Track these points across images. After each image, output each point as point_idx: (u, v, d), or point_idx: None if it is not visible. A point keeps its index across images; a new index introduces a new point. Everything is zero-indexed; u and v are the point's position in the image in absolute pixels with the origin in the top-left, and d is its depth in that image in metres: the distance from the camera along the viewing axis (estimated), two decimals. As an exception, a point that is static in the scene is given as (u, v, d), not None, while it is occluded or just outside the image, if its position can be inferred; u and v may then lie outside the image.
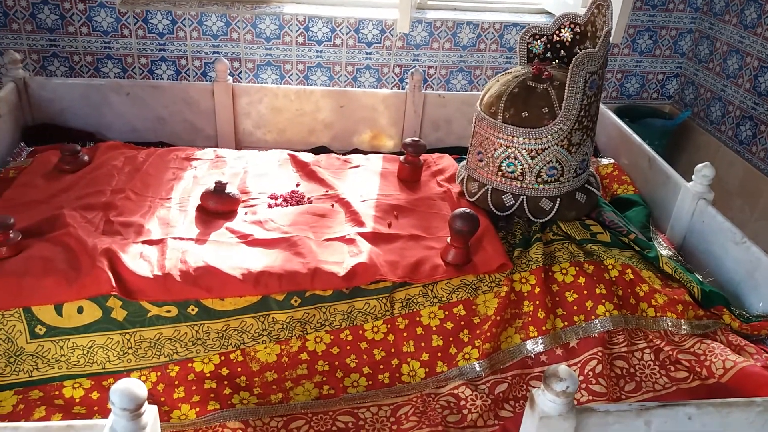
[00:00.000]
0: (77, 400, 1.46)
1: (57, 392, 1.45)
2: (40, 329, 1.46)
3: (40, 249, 1.54)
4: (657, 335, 1.63)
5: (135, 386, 1.04)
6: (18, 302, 1.45)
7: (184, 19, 3.02)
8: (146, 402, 1.07)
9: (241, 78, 3.19)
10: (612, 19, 1.68)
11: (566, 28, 1.84)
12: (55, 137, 2.28)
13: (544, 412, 1.15)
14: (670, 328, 1.64)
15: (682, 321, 1.63)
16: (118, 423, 1.05)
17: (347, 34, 3.18)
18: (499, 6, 3.44)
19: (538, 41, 1.88)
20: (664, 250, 1.96)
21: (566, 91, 1.63)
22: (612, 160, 2.37)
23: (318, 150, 2.44)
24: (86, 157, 1.97)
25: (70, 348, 1.47)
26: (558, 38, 1.87)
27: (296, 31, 3.13)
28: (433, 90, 3.29)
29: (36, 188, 1.81)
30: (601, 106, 2.57)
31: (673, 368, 1.58)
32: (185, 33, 3.06)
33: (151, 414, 1.09)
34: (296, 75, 3.24)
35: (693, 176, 1.94)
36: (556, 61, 1.91)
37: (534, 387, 1.28)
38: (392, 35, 3.21)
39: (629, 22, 3.40)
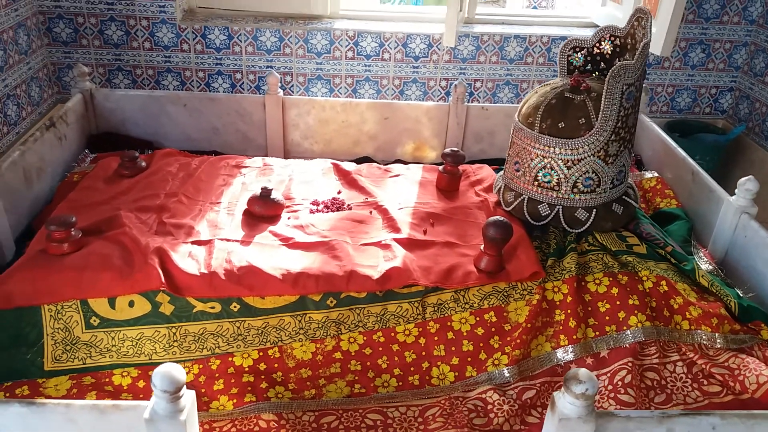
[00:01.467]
0: (125, 388, 1.56)
1: (107, 379, 1.56)
2: (95, 320, 1.58)
3: (98, 246, 1.66)
4: (690, 348, 1.62)
5: (175, 371, 1.13)
6: (76, 294, 1.57)
7: (240, 34, 3.16)
8: (185, 386, 1.15)
9: (293, 91, 3.31)
10: (651, 31, 1.70)
11: (606, 41, 1.86)
12: (117, 145, 2.43)
13: (563, 414, 1.17)
14: (704, 342, 1.62)
15: (717, 335, 1.62)
16: (158, 404, 1.14)
17: (395, 48, 3.26)
18: (547, 20, 3.47)
19: (579, 53, 1.90)
20: (704, 265, 1.93)
21: (603, 102, 1.65)
22: (656, 174, 2.36)
23: (362, 160, 2.52)
24: (144, 164, 2.11)
25: (121, 339, 1.58)
26: (598, 50, 1.89)
27: (346, 46, 3.23)
28: (479, 103, 3.33)
29: (97, 191, 1.95)
30: (647, 119, 2.57)
31: (705, 382, 1.57)
32: (241, 48, 3.20)
33: (188, 398, 1.17)
34: (345, 88, 3.33)
35: (736, 190, 1.92)
36: (596, 73, 1.93)
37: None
38: (439, 49, 3.27)
39: (680, 35, 3.36)
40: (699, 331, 1.64)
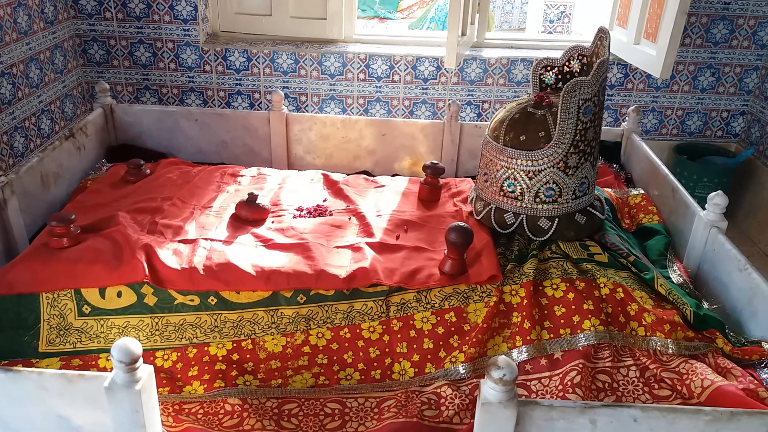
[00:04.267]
0: (109, 371, 1.70)
1: (93, 362, 1.71)
2: (86, 308, 1.73)
3: (94, 242, 1.83)
4: (645, 354, 1.67)
5: (132, 344, 1.26)
6: (71, 284, 1.73)
7: (258, 56, 3.37)
8: (141, 359, 1.28)
9: (308, 110, 3.48)
10: (608, 50, 1.78)
11: (575, 59, 1.95)
12: (133, 156, 2.62)
13: (485, 399, 1.25)
14: (658, 348, 1.67)
15: (669, 341, 1.66)
16: (117, 374, 1.27)
17: (405, 70, 3.40)
18: (555, 44, 3.56)
19: (550, 72, 2.00)
20: (675, 277, 1.97)
21: (559, 116, 1.74)
22: (641, 191, 2.40)
23: (361, 174, 2.64)
24: (148, 171, 2.29)
25: (109, 326, 1.73)
26: (568, 69, 1.98)
27: (358, 68, 3.40)
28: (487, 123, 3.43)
29: (102, 194, 2.14)
30: (637, 139, 2.62)
31: (657, 386, 1.61)
32: (259, 69, 3.40)
33: (145, 371, 1.30)
34: (357, 108, 3.49)
35: (706, 204, 1.96)
36: (569, 91, 2.01)
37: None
38: (447, 71, 3.40)
39: (689, 59, 3.40)
40: (654, 337, 1.69)
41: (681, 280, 1.98)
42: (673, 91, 3.49)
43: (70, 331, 1.73)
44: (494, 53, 3.41)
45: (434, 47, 3.47)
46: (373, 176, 2.62)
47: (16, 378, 1.31)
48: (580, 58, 1.94)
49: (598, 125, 1.84)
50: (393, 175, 2.70)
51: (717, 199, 1.93)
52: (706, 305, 1.85)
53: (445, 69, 3.39)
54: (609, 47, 1.78)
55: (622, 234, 2.01)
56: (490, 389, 1.24)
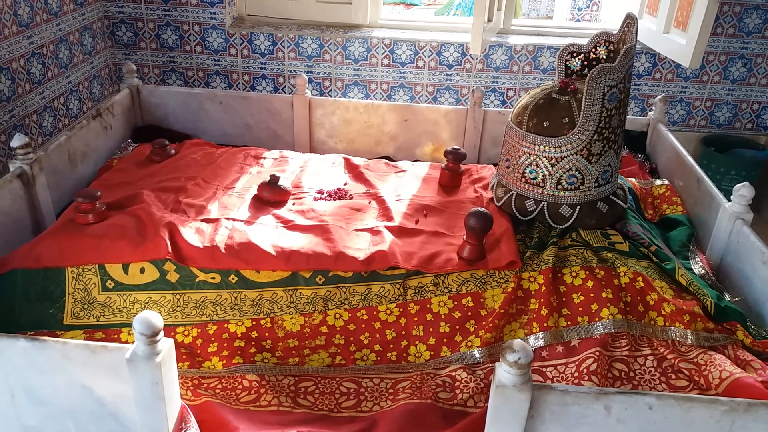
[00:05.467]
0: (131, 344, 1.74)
1: (116, 336, 1.75)
2: (110, 283, 1.77)
3: (118, 219, 1.86)
4: (663, 344, 1.65)
5: (153, 317, 1.29)
6: (96, 259, 1.77)
7: (284, 41, 3.38)
8: (162, 333, 1.31)
9: (331, 95, 3.49)
10: (636, 36, 1.76)
11: (601, 46, 1.93)
12: (159, 137, 2.66)
13: (500, 382, 1.25)
14: (677, 338, 1.66)
15: (688, 331, 1.65)
16: (138, 346, 1.30)
17: (429, 56, 3.39)
18: (582, 32, 3.51)
19: (576, 58, 1.98)
20: (698, 269, 1.95)
21: (583, 102, 1.73)
22: (666, 182, 2.37)
23: (380, 159, 2.65)
24: (173, 151, 2.32)
25: (131, 301, 1.77)
26: (594, 55, 1.96)
27: (382, 54, 3.39)
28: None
29: (128, 173, 2.17)
30: (663, 129, 2.58)
31: (674, 376, 1.60)
32: (284, 53, 3.42)
33: (166, 344, 1.33)
34: (380, 94, 3.49)
35: (732, 196, 1.94)
36: (594, 78, 1.99)
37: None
38: (472, 58, 3.38)
39: (720, 49, 3.33)
40: (673, 327, 1.67)
41: (703, 271, 1.95)
42: (702, 82, 3.43)
43: (93, 305, 1.77)
44: (520, 40, 3.38)
45: (460, 33, 3.45)
46: (395, 161, 2.63)
47: (41, 347, 1.34)
48: (607, 44, 1.91)
49: (623, 113, 1.82)
50: (414, 161, 2.70)
51: (743, 191, 1.90)
52: (727, 297, 1.83)
53: (470, 55, 3.37)
54: (636, 34, 1.75)
55: (644, 224, 1.99)
56: (504, 372, 1.25)
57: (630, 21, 1.79)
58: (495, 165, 2.42)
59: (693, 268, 1.97)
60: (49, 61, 2.83)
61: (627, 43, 1.82)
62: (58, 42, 2.89)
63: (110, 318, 1.77)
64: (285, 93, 3.50)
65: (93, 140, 2.39)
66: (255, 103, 2.76)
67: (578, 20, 5.82)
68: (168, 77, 3.48)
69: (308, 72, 3.43)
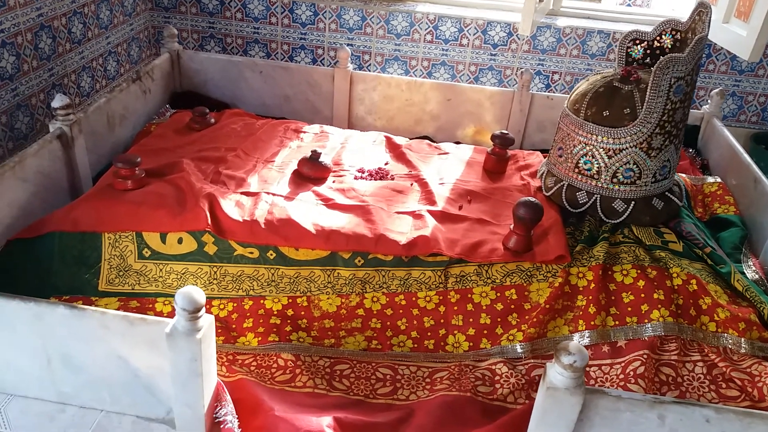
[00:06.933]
0: (165, 315, 1.71)
1: (150, 305, 1.72)
2: (147, 252, 1.74)
3: (157, 186, 1.83)
4: (714, 350, 1.59)
5: (196, 293, 1.26)
6: (133, 227, 1.74)
7: (325, 11, 3.30)
8: (204, 309, 1.27)
9: (370, 70, 3.41)
10: (709, 26, 1.66)
11: (667, 34, 1.83)
12: (197, 104, 2.61)
13: (552, 384, 1.20)
14: (729, 346, 1.59)
15: (743, 339, 1.58)
16: (179, 321, 1.27)
17: (474, 34, 3.28)
18: (635, 18, 3.38)
19: (638, 46, 1.88)
20: (750, 273, 1.87)
21: (648, 93, 1.64)
22: (718, 179, 2.28)
23: (422, 139, 2.58)
24: (212, 120, 2.28)
25: (168, 271, 1.74)
26: (659, 44, 1.86)
27: (425, 29, 3.29)
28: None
29: (167, 139, 2.14)
30: (718, 123, 2.48)
31: (724, 385, 1.54)
32: (324, 24, 3.33)
33: (206, 320, 1.29)
34: (420, 71, 3.40)
35: (794, 200, 1.84)
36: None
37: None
38: (519, 38, 3.27)
39: (779, 43, 3.18)
40: (726, 334, 1.60)
41: (756, 276, 1.87)
42: (758, 76, 3.28)
43: (129, 273, 1.74)
44: (569, 22, 3.26)
45: (507, 12, 3.33)
46: (436, 142, 2.56)
47: (80, 315, 1.32)
48: (673, 33, 1.81)
49: (688, 106, 1.73)
50: (456, 143, 2.63)
51: (807, 195, 1.80)
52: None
53: (516, 36, 3.26)
54: (710, 23, 1.65)
55: (698, 223, 1.90)
56: (557, 374, 1.20)
57: (702, 9, 1.69)
58: (542, 152, 2.34)
59: (745, 272, 1.88)
60: (90, 21, 2.79)
61: (697, 32, 1.72)
62: (100, 2, 2.84)
63: (145, 287, 1.74)
64: (323, 65, 3.42)
65: (132, 104, 2.36)
66: (295, 74, 2.69)
67: (629, 5, 5.63)
68: (206, 43, 3.42)
69: (349, 45, 3.35)
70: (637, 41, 1.87)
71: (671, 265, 1.69)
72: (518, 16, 3.25)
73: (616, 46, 3.22)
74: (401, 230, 1.75)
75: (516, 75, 3.35)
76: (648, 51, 1.87)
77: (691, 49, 1.62)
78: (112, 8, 2.95)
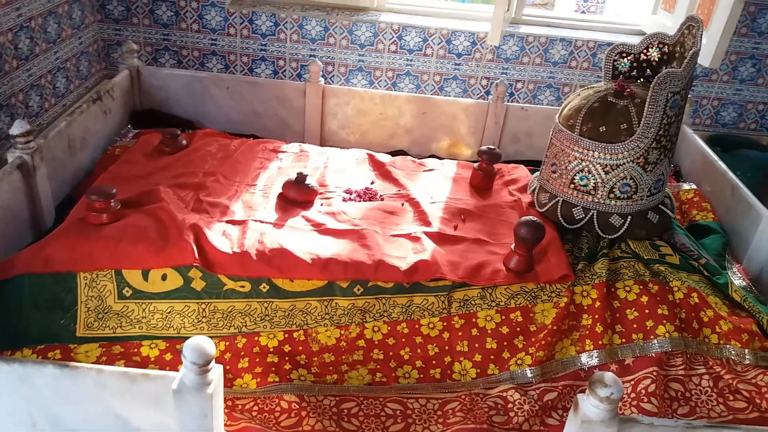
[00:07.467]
0: (152, 359, 1.59)
1: (136, 350, 1.59)
2: (127, 291, 1.61)
3: (136, 219, 1.70)
4: (718, 362, 1.59)
5: (206, 344, 1.15)
6: (111, 264, 1.61)
7: (287, 22, 3.19)
8: (213, 360, 1.17)
9: (333, 81, 3.33)
10: (701, 40, 1.67)
11: (654, 48, 1.84)
12: (159, 122, 2.48)
13: (586, 417, 1.17)
14: (732, 357, 1.60)
15: (746, 350, 1.59)
16: (187, 376, 1.16)
17: (438, 44, 3.25)
18: (595, 25, 3.42)
19: (625, 59, 1.88)
20: (737, 280, 1.90)
21: (646, 108, 1.63)
22: (694, 186, 2.31)
23: (397, 153, 2.52)
24: (184, 142, 2.15)
25: (152, 311, 1.61)
26: (645, 57, 1.87)
27: (389, 39, 3.24)
28: (519, 104, 3.31)
29: (137, 165, 2.00)
30: (688, 130, 2.52)
31: (731, 397, 1.55)
32: (286, 35, 3.23)
33: (216, 372, 1.19)
34: (385, 81, 3.34)
35: (777, 208, 1.88)
36: (641, 80, 1.90)
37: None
38: (483, 48, 3.26)
39: (731, 48, 3.29)
40: (728, 345, 1.61)
41: (744, 283, 1.90)
42: (711, 81, 3.38)
43: (109, 315, 1.61)
44: (531, 30, 3.27)
45: (470, 21, 3.32)
46: (409, 155, 2.50)
47: (73, 375, 1.19)
48: (661, 46, 1.82)
49: (681, 120, 1.73)
50: (429, 156, 2.59)
51: (791, 203, 1.84)
52: (774, 312, 1.78)
53: (480, 45, 3.25)
54: (701, 37, 1.66)
55: (687, 233, 1.92)
56: (592, 407, 1.16)
57: (693, 23, 1.70)
58: (518, 163, 2.32)
59: (732, 279, 1.91)
60: (37, 36, 2.60)
61: (687, 45, 1.73)
62: (47, 14, 2.65)
63: (128, 329, 1.61)
64: (285, 77, 3.32)
65: (92, 126, 2.20)
66: (264, 89, 2.59)
67: (583, 11, 5.73)
68: (161, 56, 3.26)
69: (311, 55, 3.26)
70: (624, 54, 1.87)
71: (671, 279, 1.69)
72: (481, 26, 3.24)
73: (578, 53, 3.26)
74: (400, 255, 1.68)
75: (480, 84, 3.34)
76: (635, 64, 1.87)
77: (687, 63, 1.62)
78: (60, 21, 2.76)
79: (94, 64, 3.14)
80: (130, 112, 2.51)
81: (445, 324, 1.65)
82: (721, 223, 2.17)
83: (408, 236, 1.77)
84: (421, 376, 1.62)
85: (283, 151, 2.22)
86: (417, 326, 1.65)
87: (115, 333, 1.61)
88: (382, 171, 2.13)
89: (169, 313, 1.62)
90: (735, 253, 2.07)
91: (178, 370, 1.55)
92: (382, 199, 1.96)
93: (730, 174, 2.19)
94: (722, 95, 3.42)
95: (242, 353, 1.61)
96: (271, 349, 1.62)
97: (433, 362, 1.64)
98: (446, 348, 1.64)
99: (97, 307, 1.61)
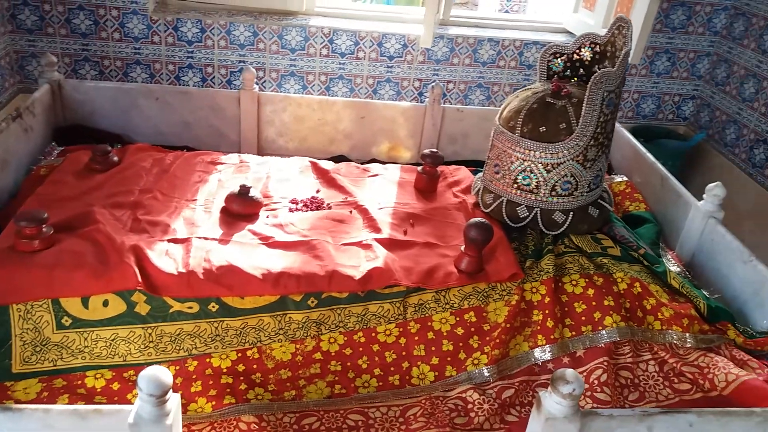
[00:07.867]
0: (98, 390, 1.51)
1: (80, 382, 1.51)
2: (66, 320, 1.53)
3: (71, 244, 1.61)
4: (662, 348, 1.66)
5: (162, 374, 1.10)
6: (47, 294, 1.51)
7: (213, 28, 3.11)
8: (171, 390, 1.12)
9: (265, 87, 3.27)
10: (631, 39, 1.73)
11: (586, 48, 1.90)
12: (85, 138, 2.36)
13: (550, 414, 1.19)
14: (675, 341, 1.67)
15: (687, 335, 1.67)
16: (143, 408, 1.11)
17: (370, 47, 3.25)
18: (520, 24, 3.51)
19: (559, 59, 1.93)
20: (672, 267, 1.99)
21: (584, 108, 1.68)
22: (625, 178, 2.41)
23: (337, 159, 2.50)
24: (116, 158, 2.05)
25: (94, 340, 1.53)
26: (578, 57, 1.92)
27: (320, 43, 3.21)
28: (451, 104, 3.35)
29: (67, 185, 1.89)
30: (617, 125, 2.62)
31: (676, 380, 1.62)
32: (213, 42, 3.15)
33: (174, 401, 1.14)
34: (318, 86, 3.31)
35: (704, 195, 1.98)
36: (575, 79, 1.96)
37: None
38: (414, 50, 3.28)
39: (648, 44, 3.44)
40: (670, 331, 1.69)
41: (678, 269, 1.99)
42: (630, 75, 3.54)
43: (48, 347, 1.52)
44: (461, 31, 3.32)
45: (401, 24, 3.33)
46: (351, 160, 2.49)
47: (17, 418, 1.11)
48: (592, 46, 1.88)
49: (615, 117, 1.80)
50: (370, 160, 2.58)
51: (716, 191, 1.95)
52: (707, 295, 1.87)
53: (411, 47, 3.27)
54: (631, 37, 1.73)
55: (625, 225, 1.99)
56: (555, 404, 1.18)
57: (622, 23, 1.77)
58: (466, 165, 2.35)
59: (669, 266, 2.00)
60: (-57, 51, 2.42)
61: (618, 45, 1.80)
62: (-48, 27, 2.48)
63: (70, 361, 1.53)
64: (214, 84, 3.24)
65: (13, 145, 2.07)
66: (196, 98, 2.51)
67: (506, 11, 5.87)
68: (80, 67, 3.10)
69: (241, 62, 3.19)
70: (557, 54, 1.92)
71: (614, 271, 1.75)
72: (412, 28, 3.26)
73: (506, 53, 3.33)
74: (353, 263, 1.67)
75: (413, 86, 3.36)
76: (568, 64, 1.92)
77: (620, 63, 1.68)
78: (-33, 34, 2.59)
79: (7, 78, 2.96)
80: (54, 129, 2.38)
81: (401, 330, 1.65)
82: (653, 212, 2.27)
83: (359, 244, 1.76)
84: (381, 384, 1.62)
85: (221, 163, 2.15)
86: (373, 334, 1.64)
87: (55, 365, 1.52)
88: (326, 178, 2.10)
89: (113, 340, 1.54)
90: (667, 240, 2.17)
91: (127, 400, 1.51)
92: (330, 208, 1.94)
93: (659, 165, 2.30)
94: (642, 88, 3.58)
95: (194, 376, 1.55)
96: (225, 370, 1.57)
97: (392, 369, 1.63)
98: (403, 354, 1.64)
99: (33, 339, 1.51)
